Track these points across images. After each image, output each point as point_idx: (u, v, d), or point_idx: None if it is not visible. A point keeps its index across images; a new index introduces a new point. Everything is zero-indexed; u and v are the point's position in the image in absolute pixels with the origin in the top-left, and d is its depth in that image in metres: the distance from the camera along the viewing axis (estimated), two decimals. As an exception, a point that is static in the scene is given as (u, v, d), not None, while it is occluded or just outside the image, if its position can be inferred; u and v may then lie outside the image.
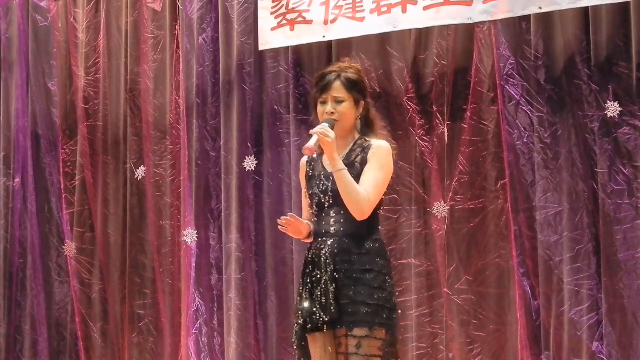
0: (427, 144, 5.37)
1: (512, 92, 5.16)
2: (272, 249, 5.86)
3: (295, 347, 3.92)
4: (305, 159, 4.09)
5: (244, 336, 5.84)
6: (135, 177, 6.38)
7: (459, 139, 5.32)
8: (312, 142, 3.81)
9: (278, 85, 5.90)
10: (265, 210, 5.88)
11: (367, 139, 3.94)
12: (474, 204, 5.27)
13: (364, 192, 3.79)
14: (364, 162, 3.87)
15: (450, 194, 5.30)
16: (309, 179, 4.01)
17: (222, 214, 5.96)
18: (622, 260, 4.86)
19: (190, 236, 6.10)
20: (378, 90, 5.47)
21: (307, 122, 5.75)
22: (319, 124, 3.89)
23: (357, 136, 3.97)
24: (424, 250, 5.37)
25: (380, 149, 3.89)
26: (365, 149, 3.90)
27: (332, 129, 3.85)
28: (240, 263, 5.88)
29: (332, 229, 3.88)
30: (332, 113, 3.90)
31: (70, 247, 6.58)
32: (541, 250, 5.05)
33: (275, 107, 5.90)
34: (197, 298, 6.03)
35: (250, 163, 5.94)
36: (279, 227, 3.99)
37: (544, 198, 5.06)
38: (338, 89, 3.92)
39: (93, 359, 6.45)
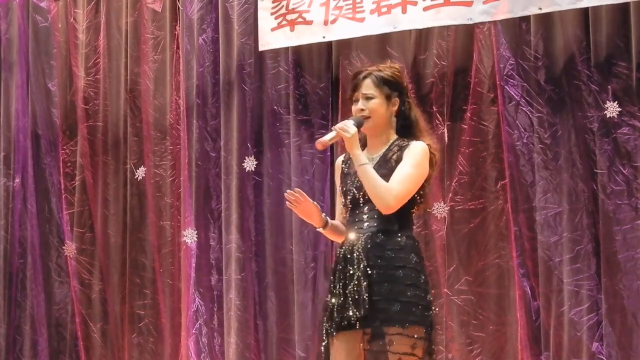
0: (426, 144, 5.36)
1: (512, 93, 5.16)
2: (272, 249, 5.86)
3: (323, 345, 3.84)
4: (341, 157, 4.06)
5: (244, 336, 5.84)
6: (135, 177, 6.38)
7: (458, 140, 5.32)
8: (327, 137, 3.81)
9: (278, 86, 5.90)
10: (265, 211, 5.88)
11: (406, 140, 3.90)
12: (473, 205, 5.27)
13: (389, 186, 3.77)
14: (399, 161, 3.85)
15: (450, 195, 5.30)
16: (344, 176, 3.99)
17: (222, 215, 5.96)
18: (622, 261, 4.86)
19: (190, 236, 6.10)
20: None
21: (307, 123, 5.76)
22: None
23: (395, 137, 3.94)
24: (424, 251, 5.31)
25: (416, 148, 3.86)
26: (402, 148, 3.87)
27: (361, 126, 3.85)
28: (240, 263, 5.88)
29: (366, 224, 3.85)
30: (362, 110, 3.89)
31: (70, 248, 6.58)
32: (541, 250, 5.05)
33: (275, 107, 5.90)
34: (197, 298, 6.03)
35: (250, 163, 5.94)
36: (287, 203, 3.94)
37: (544, 198, 5.06)
38: (367, 86, 3.91)
39: (93, 359, 6.45)
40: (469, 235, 5.28)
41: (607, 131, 4.92)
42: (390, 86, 3.92)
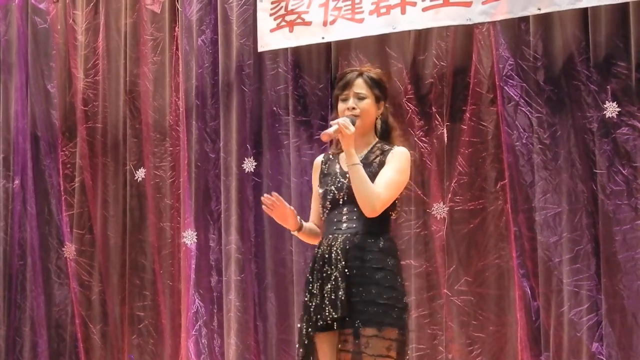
0: (426, 145, 5.37)
1: (511, 93, 5.16)
2: (272, 250, 5.86)
3: (301, 345, 3.84)
4: (320, 158, 4.07)
5: (244, 338, 5.84)
6: (135, 178, 6.38)
7: (458, 140, 5.32)
8: (331, 129, 3.80)
9: (277, 87, 5.90)
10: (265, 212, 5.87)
11: (387, 144, 3.93)
12: (473, 205, 5.27)
13: (376, 189, 3.78)
14: (382, 164, 3.87)
15: (450, 195, 5.30)
16: (323, 176, 3.99)
17: (222, 216, 5.96)
18: (622, 261, 4.86)
19: (190, 238, 6.10)
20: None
21: (306, 124, 5.76)
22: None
23: (375, 139, 3.96)
24: (424, 251, 5.37)
25: (400, 153, 3.90)
26: (385, 152, 3.90)
27: (353, 125, 3.84)
28: (240, 264, 5.88)
29: (344, 225, 3.86)
30: (354, 108, 3.89)
31: (69, 249, 6.58)
32: (541, 251, 5.05)
33: (275, 108, 5.90)
34: (196, 299, 6.03)
35: (249, 164, 5.94)
36: (263, 206, 3.95)
37: (543, 199, 5.06)
38: (360, 86, 3.92)
39: (93, 360, 6.47)
40: (469, 236, 5.28)
41: (607, 131, 4.92)
42: (380, 89, 3.95)
